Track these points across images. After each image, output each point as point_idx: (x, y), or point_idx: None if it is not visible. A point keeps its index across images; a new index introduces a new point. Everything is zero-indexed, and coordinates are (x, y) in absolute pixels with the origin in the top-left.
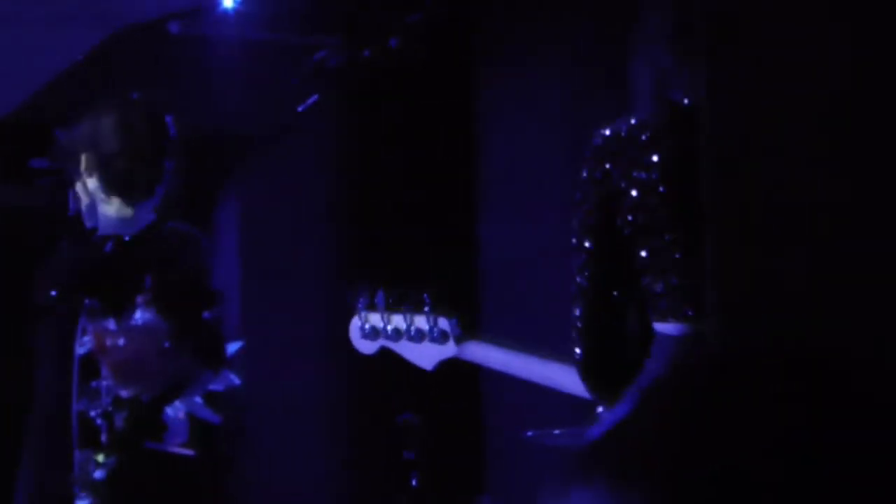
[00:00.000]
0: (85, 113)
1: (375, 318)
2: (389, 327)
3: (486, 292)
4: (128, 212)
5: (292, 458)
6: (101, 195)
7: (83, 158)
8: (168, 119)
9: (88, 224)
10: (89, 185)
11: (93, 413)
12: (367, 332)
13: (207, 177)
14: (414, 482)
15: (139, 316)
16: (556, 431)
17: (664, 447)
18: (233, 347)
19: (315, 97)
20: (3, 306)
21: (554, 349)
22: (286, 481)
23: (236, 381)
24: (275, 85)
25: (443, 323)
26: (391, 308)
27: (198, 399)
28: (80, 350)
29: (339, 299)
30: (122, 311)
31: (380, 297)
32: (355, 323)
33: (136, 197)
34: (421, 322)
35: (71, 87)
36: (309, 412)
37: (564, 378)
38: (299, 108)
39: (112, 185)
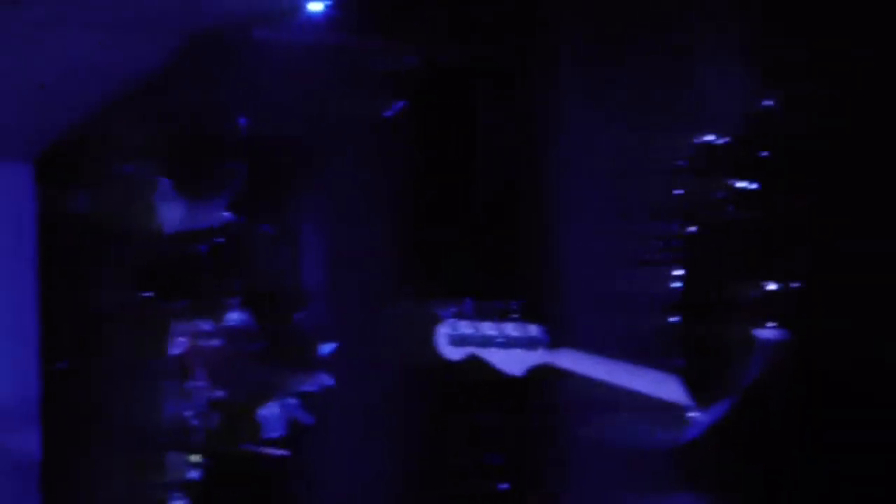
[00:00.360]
0: (159, 116)
1: (464, 326)
2: (478, 335)
3: (569, 301)
4: (195, 209)
5: (372, 459)
6: (170, 194)
7: (155, 161)
8: (240, 121)
9: (167, 226)
10: (161, 186)
11: (187, 414)
12: (455, 339)
13: (294, 180)
14: (497, 485)
15: (233, 318)
16: (640, 436)
17: (760, 445)
18: (326, 349)
19: (403, 103)
20: (94, 309)
21: (637, 356)
22: (368, 481)
23: (329, 381)
24: (359, 89)
25: (533, 330)
26: (480, 316)
27: (291, 400)
28: (174, 350)
29: (424, 303)
30: (215, 313)
31: (468, 305)
32: (443, 330)
33: (202, 195)
34: (511, 329)
35: (153, 91)
36: (391, 414)
37: (654, 384)
38: (387, 114)
39: (179, 184)
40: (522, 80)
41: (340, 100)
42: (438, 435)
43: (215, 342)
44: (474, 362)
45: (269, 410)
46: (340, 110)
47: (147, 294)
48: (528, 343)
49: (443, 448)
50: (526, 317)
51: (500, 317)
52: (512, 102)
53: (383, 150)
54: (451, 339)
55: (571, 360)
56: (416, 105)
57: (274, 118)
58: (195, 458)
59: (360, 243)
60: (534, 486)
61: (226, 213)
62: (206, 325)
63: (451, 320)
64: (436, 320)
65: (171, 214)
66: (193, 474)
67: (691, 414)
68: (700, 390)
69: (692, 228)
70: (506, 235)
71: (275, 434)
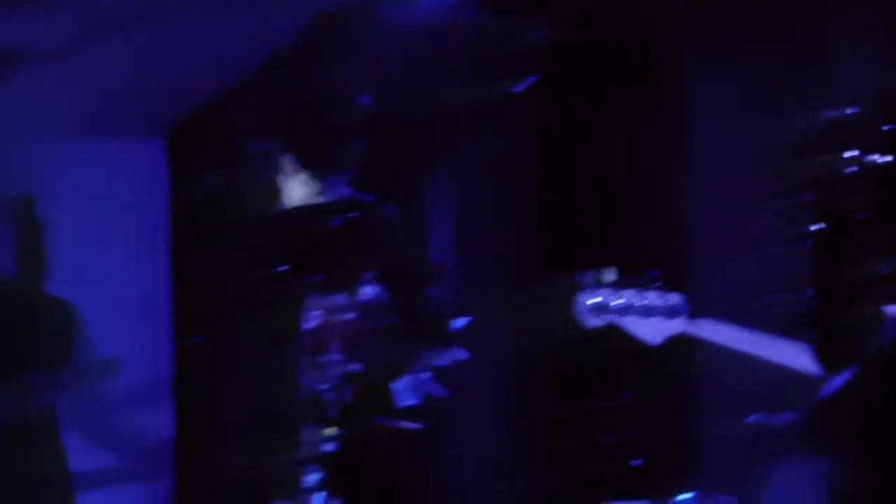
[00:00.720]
0: (274, 97)
1: (604, 295)
2: (618, 303)
3: (706, 272)
4: (321, 186)
5: (507, 434)
6: (293, 171)
7: (281, 138)
8: (364, 99)
9: (296, 203)
10: (286, 162)
11: (322, 387)
12: (593, 308)
13: (423, 158)
14: (629, 462)
15: (367, 292)
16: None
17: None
18: (460, 323)
19: (534, 78)
20: (226, 285)
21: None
22: (501, 456)
23: (463, 355)
24: (489, 65)
25: (673, 299)
26: (621, 285)
27: (425, 374)
28: (308, 325)
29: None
30: (350, 287)
31: (608, 273)
32: (582, 299)
33: (326, 168)
34: (651, 298)
35: (281, 69)
36: (510, 389)
37: (787, 354)
38: (517, 89)
39: (305, 162)
40: (653, 57)
41: (468, 77)
42: (570, 412)
43: (349, 317)
44: (613, 331)
45: (403, 384)
46: (468, 88)
47: (280, 269)
48: (667, 312)
49: (574, 425)
50: (666, 286)
51: (641, 286)
52: (644, 79)
53: (514, 126)
54: (591, 307)
55: (710, 330)
56: (548, 81)
57: (401, 96)
58: (329, 432)
59: (491, 218)
60: (669, 457)
61: (352, 191)
62: (339, 300)
63: (592, 289)
64: (576, 289)
65: (299, 192)
66: (328, 448)
67: (822, 384)
68: (830, 362)
69: (825, 204)
70: (645, 207)
71: (408, 407)
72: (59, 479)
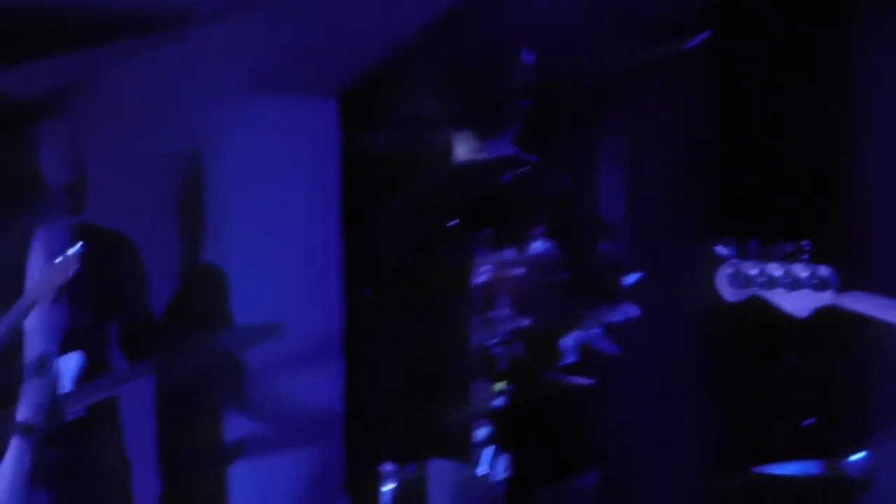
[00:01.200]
0: (441, 56)
1: (748, 267)
2: (763, 276)
3: (860, 244)
4: (487, 144)
5: (669, 392)
6: (460, 132)
7: (449, 96)
8: (525, 58)
9: (464, 160)
10: (454, 120)
11: (491, 342)
12: (738, 280)
13: (592, 114)
14: (803, 422)
15: (537, 247)
16: None
17: None
18: (631, 279)
19: (707, 33)
20: (397, 239)
21: None
22: (662, 415)
23: (635, 312)
24: (661, 20)
25: (823, 271)
26: (766, 256)
27: (596, 329)
28: (478, 280)
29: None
30: (520, 242)
31: (753, 245)
32: (725, 271)
33: (493, 127)
34: (799, 270)
35: (447, 28)
36: (684, 348)
37: None
38: (689, 45)
39: (469, 119)
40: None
41: (640, 33)
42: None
43: (519, 272)
44: (756, 304)
45: (573, 340)
46: (640, 43)
47: (450, 225)
48: (816, 284)
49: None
50: (816, 258)
51: (788, 257)
52: (815, 41)
53: (683, 84)
54: (733, 279)
55: (861, 303)
56: (721, 37)
57: (571, 53)
58: (499, 387)
59: (658, 177)
60: (840, 419)
61: (518, 149)
62: (509, 255)
63: (735, 260)
64: (719, 261)
65: (467, 149)
66: (497, 403)
67: None
68: None
69: None
70: (801, 176)
71: (578, 363)
72: (219, 443)
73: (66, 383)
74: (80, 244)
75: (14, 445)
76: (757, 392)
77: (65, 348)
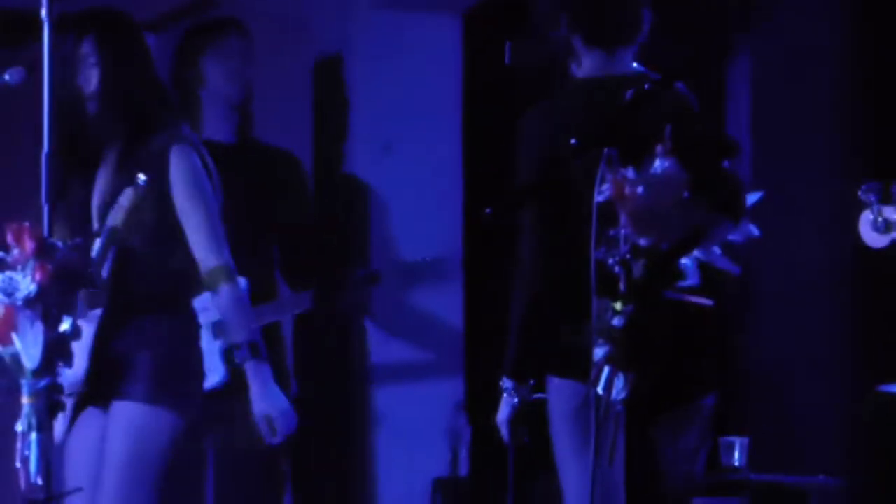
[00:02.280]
0: None
1: (890, 211)
2: None
3: None
4: (611, 59)
5: (798, 318)
6: (583, 47)
7: (562, 22)
8: None
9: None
10: (574, 45)
11: (611, 261)
12: (879, 225)
13: (719, 33)
14: None
15: (658, 165)
16: None
17: None
18: (752, 198)
19: None
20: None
21: None
22: (789, 339)
23: (755, 231)
24: None
25: None
26: None
27: (716, 249)
28: (598, 198)
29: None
30: (641, 159)
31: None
32: (866, 216)
33: (615, 40)
34: None
35: None
36: (815, 276)
37: None
38: None
39: (591, 35)
40: None
41: None
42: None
43: (641, 189)
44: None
45: (693, 259)
46: None
47: (571, 142)
48: None
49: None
50: None
51: None
52: None
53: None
54: (875, 224)
55: None
56: None
57: None
58: (618, 305)
59: (785, 99)
60: None
61: (641, 66)
62: (630, 172)
63: (876, 206)
64: (861, 205)
65: (589, 65)
66: (616, 321)
67: None
68: None
69: None
70: None
71: (697, 282)
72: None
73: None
74: None
75: None
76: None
77: None
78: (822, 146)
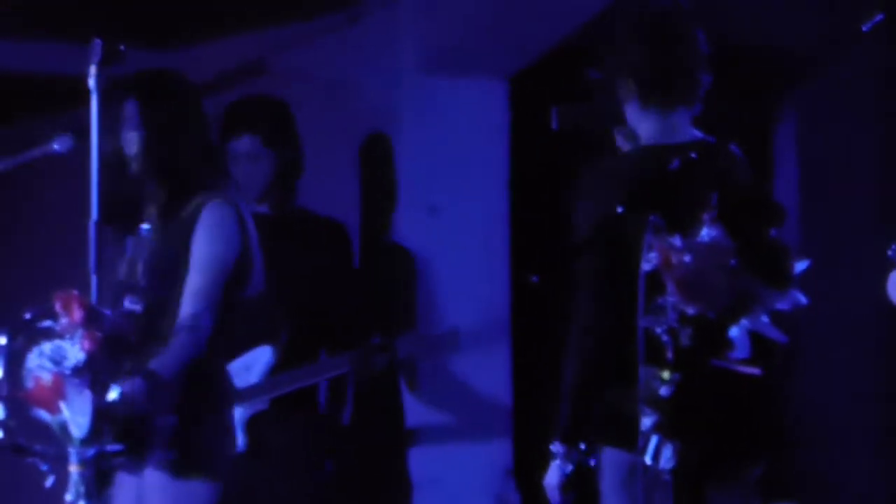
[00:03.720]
0: (619, 31)
1: None
2: None
3: None
4: (667, 123)
5: (844, 383)
6: (639, 112)
7: (620, 84)
8: (700, 33)
9: (642, 141)
10: (629, 109)
11: (658, 330)
12: None
13: (767, 95)
14: None
15: (705, 233)
16: None
17: None
18: (800, 266)
19: (881, 16)
20: (564, 224)
21: None
22: (837, 406)
23: (803, 300)
24: (837, 2)
25: None
26: None
27: (764, 318)
28: (646, 266)
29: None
30: (687, 227)
31: None
32: (894, 276)
33: (672, 104)
34: None
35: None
36: (864, 338)
37: None
38: (864, 28)
39: (648, 96)
40: None
41: (820, 11)
42: None
43: (687, 257)
44: None
45: (741, 327)
46: (817, 22)
47: (620, 209)
48: None
49: None
50: None
51: None
52: None
53: (862, 65)
54: None
55: None
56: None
57: (746, 28)
58: (666, 374)
59: (831, 161)
60: None
61: (698, 131)
62: (678, 241)
63: None
64: (892, 265)
65: (644, 131)
66: (664, 390)
67: None
68: None
69: None
70: None
71: (745, 352)
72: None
73: (255, 375)
74: None
75: None
76: None
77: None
78: (870, 207)
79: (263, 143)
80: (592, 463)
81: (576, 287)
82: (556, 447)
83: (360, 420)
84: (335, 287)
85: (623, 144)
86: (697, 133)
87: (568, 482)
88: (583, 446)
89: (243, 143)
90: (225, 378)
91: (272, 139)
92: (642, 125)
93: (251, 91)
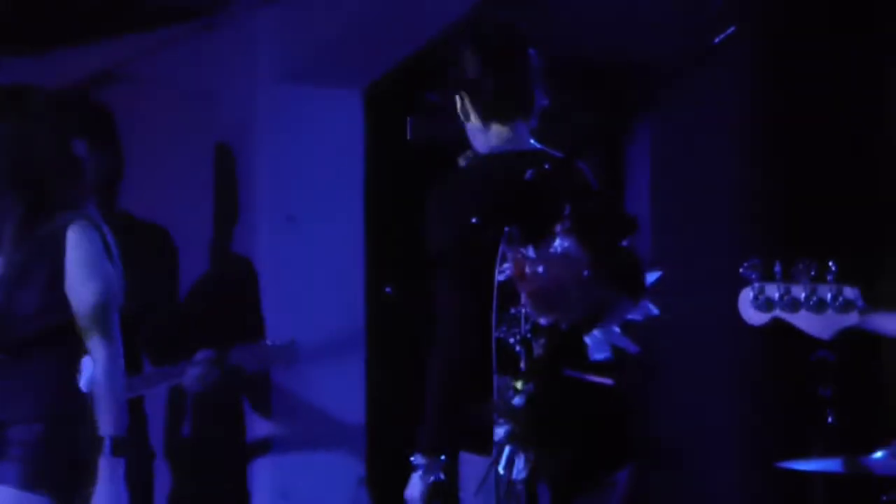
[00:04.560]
0: (458, 48)
1: (771, 289)
2: (786, 297)
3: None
4: (507, 135)
5: (699, 393)
6: (480, 126)
7: (459, 99)
8: (532, 50)
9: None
10: (472, 122)
11: (512, 340)
12: (759, 303)
13: (618, 109)
14: (829, 419)
15: (558, 244)
16: None
17: None
18: (651, 277)
19: (732, 29)
20: (419, 236)
21: None
22: (692, 415)
23: (655, 311)
24: (688, 14)
25: (848, 292)
26: (789, 278)
27: (615, 328)
28: (499, 277)
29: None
30: (541, 238)
31: (777, 266)
32: (746, 294)
33: (510, 117)
34: (823, 292)
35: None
36: (716, 347)
37: None
38: (715, 41)
39: (487, 110)
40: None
41: (667, 25)
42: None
43: (540, 268)
44: (778, 326)
45: (594, 338)
46: (667, 36)
47: (473, 220)
48: (841, 306)
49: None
50: (840, 279)
51: (813, 279)
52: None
53: (713, 80)
54: (755, 302)
55: (889, 324)
56: (750, 32)
57: (597, 46)
58: (519, 384)
59: (684, 176)
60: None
61: (540, 144)
62: (530, 252)
63: (757, 283)
64: (742, 282)
65: (489, 142)
66: (517, 400)
67: None
68: None
69: None
70: (829, 188)
71: (599, 362)
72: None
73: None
74: None
75: None
76: (790, 391)
77: None
78: (721, 222)
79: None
80: (443, 477)
81: (433, 297)
82: (416, 459)
83: (199, 434)
84: (156, 296)
85: (472, 155)
86: (537, 144)
87: (430, 493)
88: (443, 458)
89: None
90: (80, 392)
91: (91, 142)
92: (483, 138)
93: (101, 98)
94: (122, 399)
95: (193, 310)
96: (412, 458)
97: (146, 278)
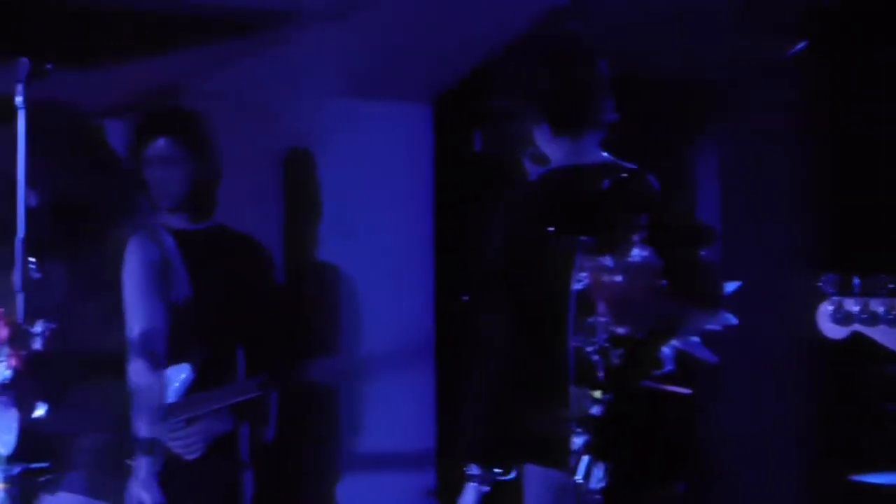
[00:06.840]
0: (528, 59)
1: (850, 303)
2: (866, 312)
3: None
4: (577, 146)
5: (765, 403)
6: (550, 136)
7: (529, 111)
8: (602, 60)
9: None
10: (539, 133)
11: (589, 349)
12: (839, 317)
13: (687, 121)
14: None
15: (636, 253)
16: None
17: None
18: (731, 287)
19: (805, 43)
20: (490, 245)
21: None
22: (757, 424)
23: (733, 320)
24: (761, 28)
25: None
26: (868, 292)
27: (695, 338)
28: (576, 286)
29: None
30: (618, 248)
31: (856, 281)
32: (825, 308)
33: (581, 128)
34: None
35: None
36: (784, 358)
37: None
38: (788, 54)
39: (557, 122)
40: None
41: (737, 39)
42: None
43: (618, 277)
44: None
45: (672, 348)
46: (737, 50)
47: (548, 230)
48: None
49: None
50: None
51: (891, 293)
52: None
53: (784, 92)
54: (835, 316)
55: None
56: (820, 46)
57: (667, 58)
58: (596, 394)
59: (752, 189)
60: None
61: (610, 155)
62: (608, 261)
63: (836, 297)
64: (820, 297)
65: (561, 153)
66: (594, 410)
67: None
68: None
69: None
70: None
71: (676, 372)
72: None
73: (172, 393)
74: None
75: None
76: (854, 403)
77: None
78: (788, 235)
79: (179, 145)
80: (517, 482)
81: (491, 310)
82: (471, 469)
83: (283, 442)
84: (255, 307)
85: (532, 167)
86: (607, 156)
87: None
88: (497, 468)
89: (158, 147)
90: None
91: (187, 142)
92: (552, 148)
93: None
94: (153, 404)
95: (283, 321)
96: (466, 469)
97: (243, 289)
